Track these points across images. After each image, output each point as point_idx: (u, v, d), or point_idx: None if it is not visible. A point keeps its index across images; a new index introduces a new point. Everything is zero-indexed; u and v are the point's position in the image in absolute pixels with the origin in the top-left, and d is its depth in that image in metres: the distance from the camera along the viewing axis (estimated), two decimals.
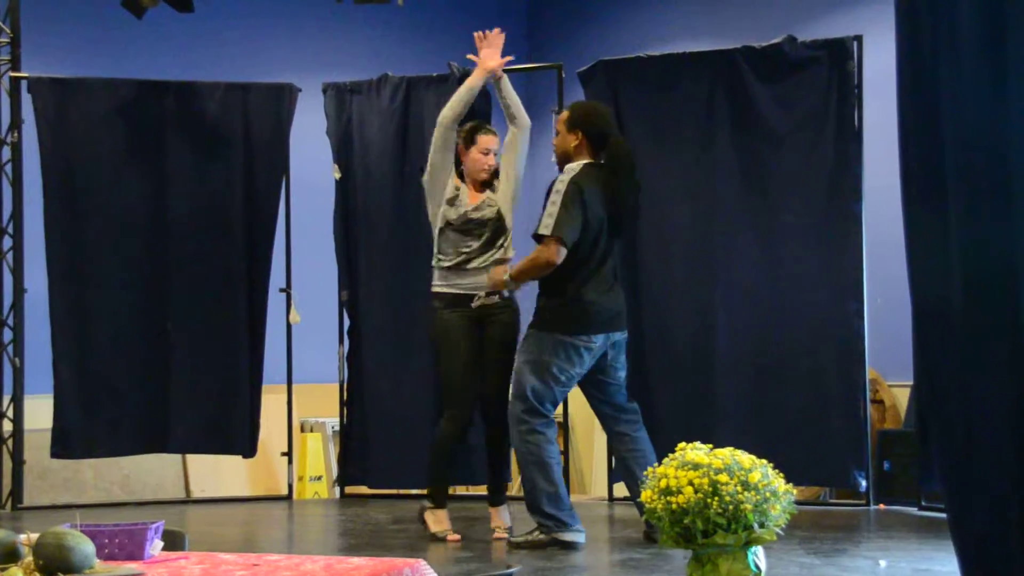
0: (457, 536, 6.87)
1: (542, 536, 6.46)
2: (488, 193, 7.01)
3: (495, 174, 7.03)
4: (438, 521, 6.93)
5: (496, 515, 7.00)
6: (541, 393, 6.49)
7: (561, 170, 6.64)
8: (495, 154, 7.02)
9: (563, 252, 6.35)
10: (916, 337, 4.49)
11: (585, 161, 6.57)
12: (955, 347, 4.06)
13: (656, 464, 6.17)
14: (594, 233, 6.44)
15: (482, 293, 6.86)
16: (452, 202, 6.95)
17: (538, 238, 6.44)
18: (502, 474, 7.16)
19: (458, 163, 7.09)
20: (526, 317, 6.85)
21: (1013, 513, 3.91)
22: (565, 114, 6.77)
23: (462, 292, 6.89)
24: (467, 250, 6.88)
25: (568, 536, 6.44)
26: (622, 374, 6.72)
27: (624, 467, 6.74)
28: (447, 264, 6.93)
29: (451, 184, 7.02)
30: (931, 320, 4.19)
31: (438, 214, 6.98)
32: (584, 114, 6.71)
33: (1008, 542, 3.92)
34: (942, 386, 4.15)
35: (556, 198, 6.42)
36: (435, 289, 6.98)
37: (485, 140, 7.01)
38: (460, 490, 9.19)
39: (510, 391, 6.64)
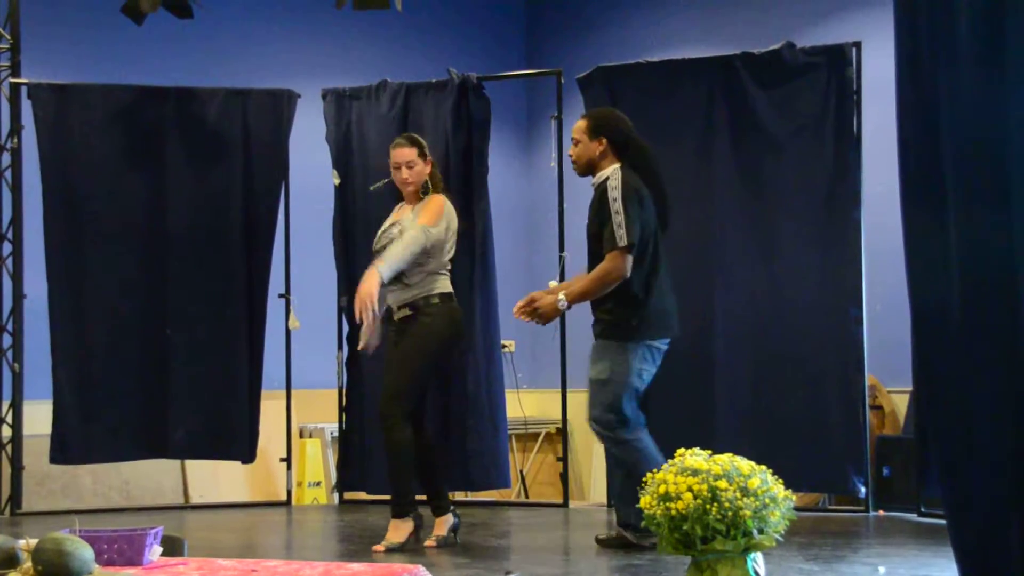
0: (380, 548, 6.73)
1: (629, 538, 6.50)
2: (407, 212, 6.89)
3: (425, 187, 6.86)
4: (404, 530, 6.82)
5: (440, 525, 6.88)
6: (633, 403, 6.53)
7: (588, 176, 6.66)
8: (406, 166, 6.81)
9: (631, 261, 6.40)
10: (915, 341, 4.49)
11: (617, 165, 6.56)
12: (954, 351, 4.05)
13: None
14: (652, 234, 6.51)
15: (395, 307, 6.83)
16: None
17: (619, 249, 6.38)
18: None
19: None
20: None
21: (1013, 517, 3.90)
22: (583, 123, 6.67)
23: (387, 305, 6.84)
24: None
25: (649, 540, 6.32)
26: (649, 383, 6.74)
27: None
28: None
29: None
30: (930, 325, 4.18)
31: None
32: (605, 120, 6.69)
33: (1008, 547, 3.91)
34: (941, 390, 4.14)
35: (618, 207, 6.38)
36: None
37: (394, 155, 6.86)
38: (458, 495, 9.20)
39: (598, 404, 6.52)
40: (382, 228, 6.96)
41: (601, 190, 6.53)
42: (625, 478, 6.43)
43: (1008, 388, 3.93)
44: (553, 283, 6.80)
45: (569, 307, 6.61)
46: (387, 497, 8.74)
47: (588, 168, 6.66)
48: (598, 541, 6.69)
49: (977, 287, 3.98)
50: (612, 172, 6.53)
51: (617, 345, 6.49)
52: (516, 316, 6.69)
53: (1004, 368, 3.93)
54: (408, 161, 6.83)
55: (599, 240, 6.47)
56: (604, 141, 6.59)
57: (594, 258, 6.54)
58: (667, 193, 6.67)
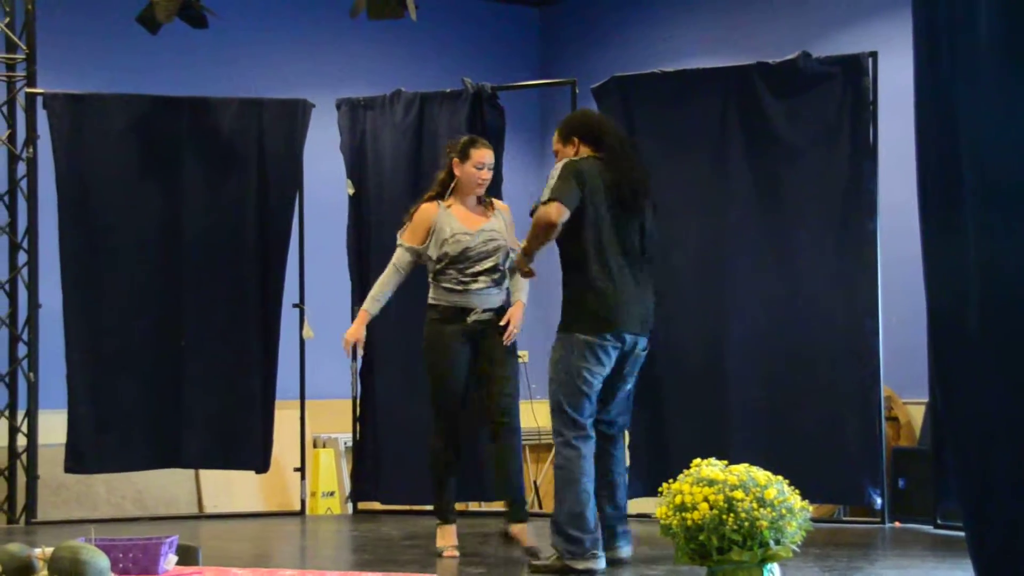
0: (454, 552, 6.82)
1: (556, 563, 6.15)
2: (492, 219, 6.91)
3: (487, 191, 6.96)
4: (442, 536, 6.92)
5: (520, 533, 6.82)
6: (576, 402, 6.17)
7: None
8: (489, 168, 6.89)
9: (564, 211, 5.98)
10: (932, 352, 4.49)
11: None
12: (971, 362, 4.07)
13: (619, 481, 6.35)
14: (595, 218, 6.11)
15: (479, 308, 6.82)
16: (446, 239, 6.84)
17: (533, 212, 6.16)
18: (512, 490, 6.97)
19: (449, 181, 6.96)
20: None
21: None
22: (556, 133, 6.51)
23: (460, 306, 6.82)
24: (471, 273, 6.83)
25: (582, 565, 6.07)
26: (630, 385, 6.44)
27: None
28: (447, 285, 6.85)
29: (435, 219, 6.90)
30: (947, 335, 4.22)
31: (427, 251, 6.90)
32: (570, 123, 6.49)
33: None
34: (958, 401, 4.16)
35: (550, 179, 6.16)
36: (432, 301, 6.91)
37: (479, 155, 6.85)
38: (473, 506, 9.20)
39: (549, 401, 6.33)
40: (464, 232, 6.82)
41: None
42: (560, 484, 6.22)
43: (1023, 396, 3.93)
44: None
45: (527, 268, 6.29)
46: (399, 508, 8.81)
47: None
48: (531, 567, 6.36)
49: (994, 299, 4.01)
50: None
51: (561, 337, 6.23)
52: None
53: (1020, 376, 3.95)
54: (491, 164, 6.91)
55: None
56: (576, 141, 6.37)
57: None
58: (636, 182, 6.27)
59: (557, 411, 6.23)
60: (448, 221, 6.85)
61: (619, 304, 6.15)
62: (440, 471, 6.93)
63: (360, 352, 6.68)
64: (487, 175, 6.91)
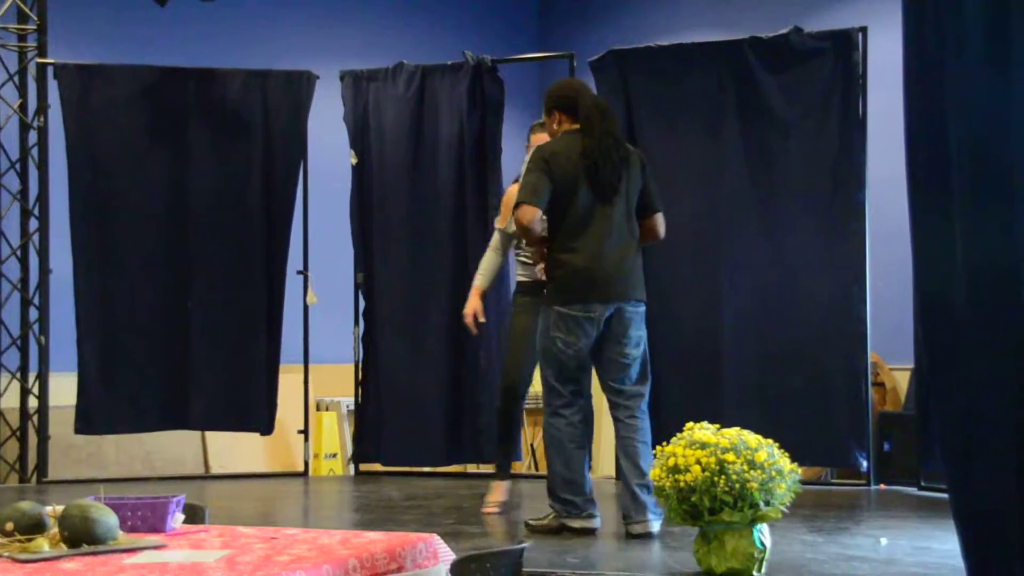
0: (492, 509, 7.01)
1: (553, 523, 6.32)
2: None
3: None
4: (491, 491, 7.11)
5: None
6: (556, 372, 6.27)
7: None
8: None
9: (533, 212, 6.06)
10: (920, 325, 4.53)
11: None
12: (958, 335, 4.10)
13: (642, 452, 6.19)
14: (566, 196, 6.15)
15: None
16: None
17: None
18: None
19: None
20: None
21: (1013, 490, 3.97)
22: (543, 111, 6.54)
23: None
24: None
25: (578, 523, 6.24)
26: (628, 351, 6.30)
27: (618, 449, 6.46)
28: (523, 259, 6.99)
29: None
30: (935, 309, 4.19)
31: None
32: (550, 94, 6.46)
33: (1008, 519, 3.97)
34: (943, 374, 4.19)
35: (523, 167, 6.36)
36: (519, 279, 7.07)
37: (534, 139, 6.91)
38: (470, 468, 9.31)
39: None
40: None
41: None
42: (550, 450, 6.37)
43: (1009, 370, 3.99)
44: None
45: (540, 257, 6.40)
46: (400, 469, 8.91)
47: None
48: (527, 526, 6.51)
49: (982, 272, 4.02)
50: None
51: (542, 310, 6.33)
52: (525, 249, 6.76)
53: (1006, 348, 4.00)
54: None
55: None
56: (556, 113, 6.37)
57: None
58: (608, 149, 6.21)
59: (543, 382, 6.35)
60: None
61: (588, 276, 6.16)
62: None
63: (481, 319, 6.78)
64: None
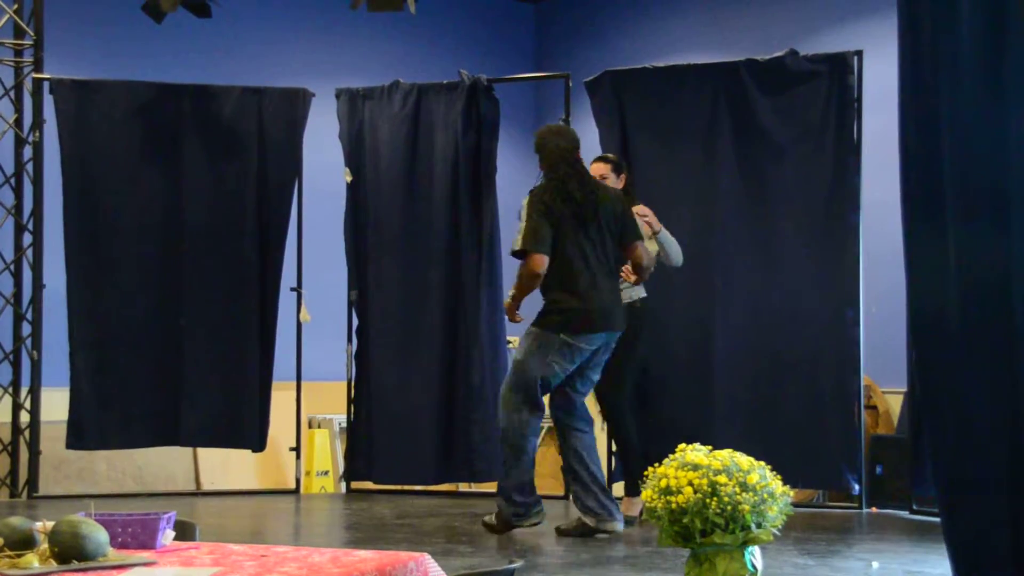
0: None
1: (579, 526, 6.92)
2: None
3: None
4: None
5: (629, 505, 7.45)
6: (542, 388, 6.87)
7: None
8: (601, 177, 7.31)
9: (543, 259, 6.70)
10: (913, 346, 4.52)
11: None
12: (951, 356, 4.14)
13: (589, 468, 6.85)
14: (565, 239, 6.76)
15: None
16: None
17: (517, 255, 6.82)
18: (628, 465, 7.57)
19: None
20: None
21: (1004, 515, 4.01)
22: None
23: None
24: None
25: (528, 523, 6.95)
26: (596, 376, 7.08)
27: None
28: None
29: None
30: (928, 330, 4.24)
31: None
32: (538, 143, 7.04)
33: (1000, 543, 4.01)
34: (936, 391, 4.23)
35: (521, 215, 6.81)
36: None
37: (593, 168, 7.36)
38: (463, 487, 9.30)
39: (506, 380, 7.00)
40: None
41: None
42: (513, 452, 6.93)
43: (1003, 391, 4.04)
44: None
45: (516, 306, 6.98)
46: (392, 487, 8.92)
47: None
48: (558, 531, 7.02)
49: (974, 294, 4.08)
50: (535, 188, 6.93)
51: (538, 332, 6.82)
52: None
53: (999, 372, 4.04)
54: (601, 175, 7.36)
55: None
56: (541, 161, 7.02)
57: None
58: (590, 195, 6.84)
59: (521, 388, 6.84)
60: None
61: (591, 308, 6.78)
62: None
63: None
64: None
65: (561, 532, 6.98)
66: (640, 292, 7.44)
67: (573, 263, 6.76)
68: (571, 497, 7.17)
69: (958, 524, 4.17)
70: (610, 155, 7.71)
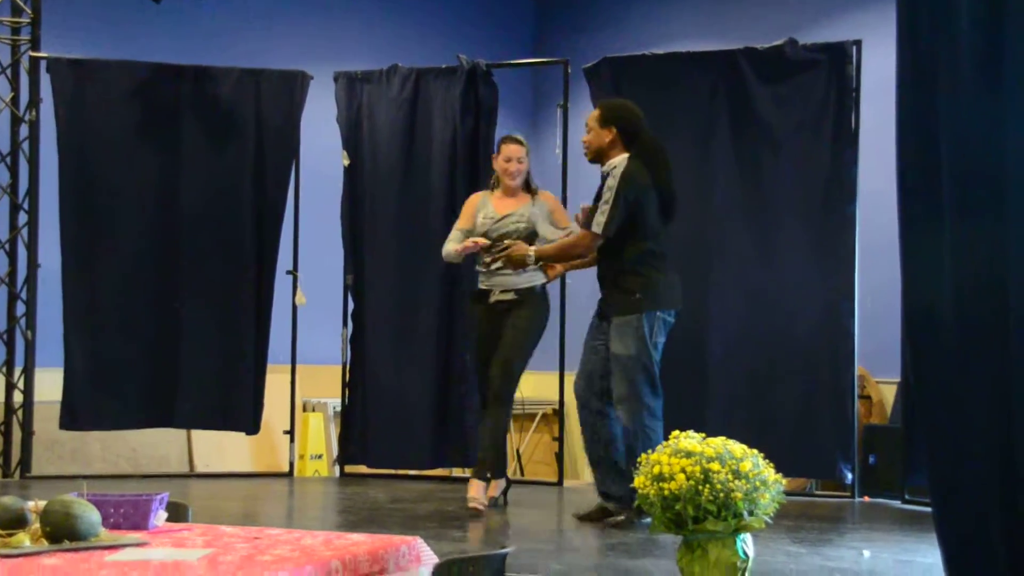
0: (477, 507, 7.21)
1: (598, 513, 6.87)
2: (524, 206, 7.40)
3: (528, 184, 7.47)
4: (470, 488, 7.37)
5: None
6: (657, 373, 6.80)
7: (598, 164, 6.95)
8: (518, 160, 7.39)
9: (599, 243, 6.76)
10: (907, 339, 4.52)
11: (626, 156, 6.80)
12: (945, 349, 4.13)
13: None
14: (652, 217, 6.76)
15: (496, 290, 7.35)
16: (478, 223, 7.44)
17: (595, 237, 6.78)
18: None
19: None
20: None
21: (995, 505, 4.00)
22: (597, 112, 6.98)
23: (484, 287, 7.43)
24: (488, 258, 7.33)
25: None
26: None
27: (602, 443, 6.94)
28: (478, 266, 7.46)
29: (477, 205, 7.53)
30: (922, 323, 4.23)
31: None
32: (616, 111, 6.95)
33: (991, 535, 4.00)
34: (930, 384, 4.22)
35: (609, 195, 6.69)
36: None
37: (507, 150, 7.44)
38: (456, 472, 9.31)
39: (624, 381, 6.75)
40: (491, 216, 7.41)
41: (604, 176, 6.76)
42: (628, 453, 6.65)
43: (996, 385, 4.03)
44: (584, 205, 7.03)
45: (538, 263, 7.07)
46: (385, 472, 8.94)
47: (597, 156, 6.91)
48: (577, 517, 6.96)
49: (969, 288, 4.06)
50: (620, 162, 6.78)
51: (636, 320, 6.71)
52: (483, 255, 7.23)
53: (993, 365, 4.03)
54: (519, 156, 7.42)
55: None
56: (613, 131, 6.84)
57: None
58: (674, 189, 6.88)
59: (647, 382, 6.73)
60: (484, 207, 7.46)
61: (675, 284, 6.91)
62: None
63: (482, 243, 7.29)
64: (514, 167, 7.41)
65: (581, 518, 6.95)
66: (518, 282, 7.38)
67: (659, 238, 6.83)
68: (596, 483, 7.06)
69: (950, 515, 4.16)
70: (519, 135, 7.63)
